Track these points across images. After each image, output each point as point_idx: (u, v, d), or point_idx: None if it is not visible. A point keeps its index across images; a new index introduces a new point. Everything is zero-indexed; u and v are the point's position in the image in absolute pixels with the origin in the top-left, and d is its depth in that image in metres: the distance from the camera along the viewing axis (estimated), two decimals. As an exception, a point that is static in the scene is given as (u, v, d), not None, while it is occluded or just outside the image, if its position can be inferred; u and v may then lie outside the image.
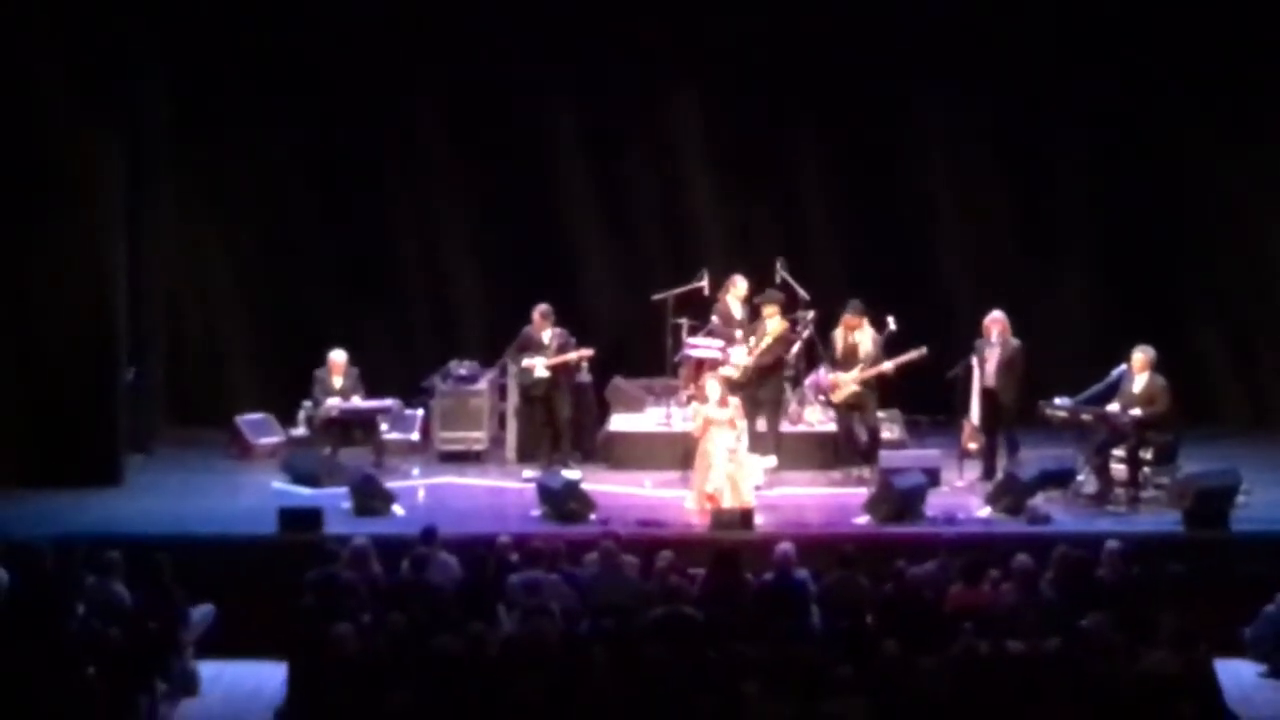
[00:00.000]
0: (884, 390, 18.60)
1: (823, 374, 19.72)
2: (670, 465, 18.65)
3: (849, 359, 18.30)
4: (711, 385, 17.44)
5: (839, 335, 18.39)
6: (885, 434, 18.90)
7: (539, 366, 18.72)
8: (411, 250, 21.44)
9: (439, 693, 12.37)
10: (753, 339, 18.73)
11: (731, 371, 18.47)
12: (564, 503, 16.90)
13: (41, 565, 14.72)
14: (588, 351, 19.05)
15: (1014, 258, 21.05)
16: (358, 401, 18.93)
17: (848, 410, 18.44)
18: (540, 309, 18.83)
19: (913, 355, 18.14)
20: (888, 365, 18.19)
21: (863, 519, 16.86)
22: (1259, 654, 14.97)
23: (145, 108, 19.76)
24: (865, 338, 18.31)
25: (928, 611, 13.87)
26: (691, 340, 19.58)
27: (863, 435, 18.53)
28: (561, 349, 18.81)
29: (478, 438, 19.59)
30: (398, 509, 17.25)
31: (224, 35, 20.36)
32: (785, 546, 14.63)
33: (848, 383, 18.25)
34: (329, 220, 21.18)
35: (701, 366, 19.02)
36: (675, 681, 12.45)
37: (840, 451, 18.73)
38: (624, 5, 20.53)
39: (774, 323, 18.66)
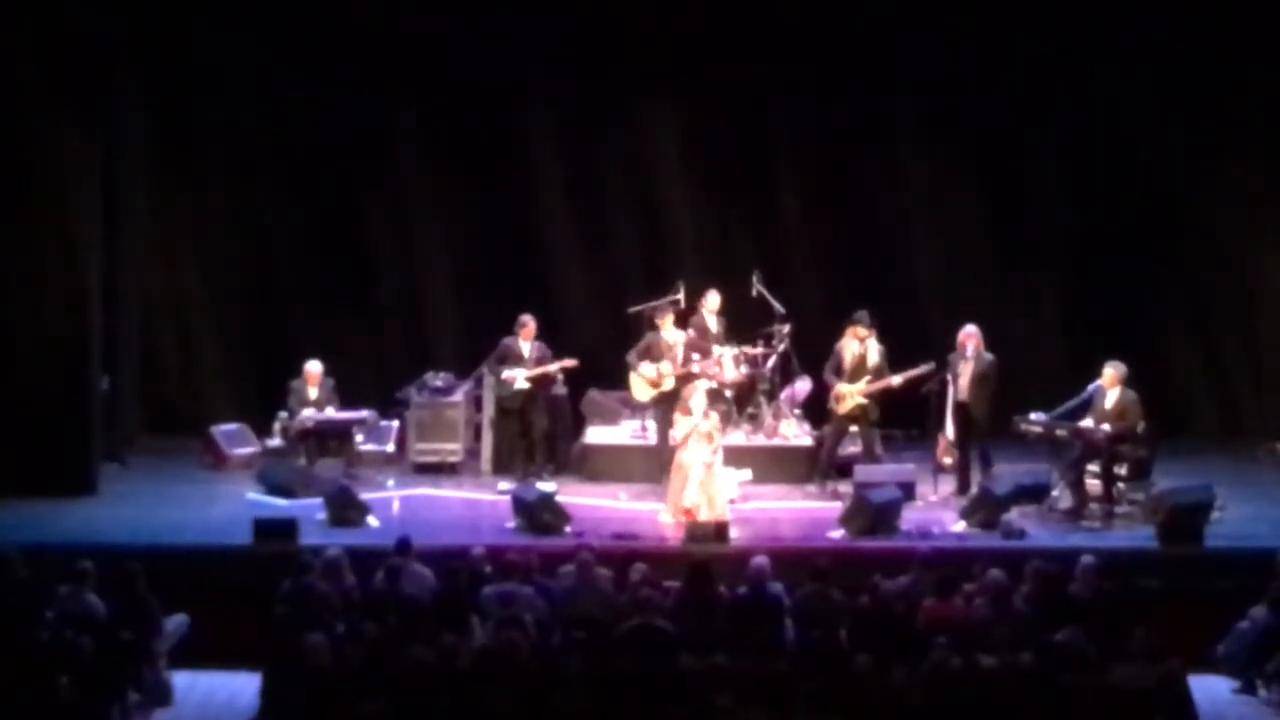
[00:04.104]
0: (887, 404, 18.58)
1: (798, 387, 19.79)
2: (645, 478, 18.67)
3: (856, 370, 18.31)
4: (696, 397, 17.43)
5: (846, 346, 18.34)
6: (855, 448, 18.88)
7: (519, 379, 18.70)
8: (388, 262, 21.44)
9: (412, 704, 12.37)
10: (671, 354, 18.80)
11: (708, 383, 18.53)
12: (538, 515, 16.89)
13: (13, 574, 14.69)
14: (571, 361, 19.01)
15: (989, 272, 21.09)
16: (333, 412, 18.91)
17: (849, 421, 18.46)
18: (523, 320, 18.81)
19: (921, 369, 18.15)
20: (895, 379, 18.20)
21: (837, 533, 16.87)
22: (1232, 669, 14.97)
23: (122, 114, 19.73)
24: (873, 350, 18.32)
25: (901, 625, 13.88)
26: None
27: (854, 446, 18.55)
28: (540, 361, 18.79)
29: (453, 449, 19.57)
30: (372, 520, 17.22)
31: (202, 44, 20.34)
32: (760, 560, 14.63)
33: (853, 394, 18.26)
34: (306, 230, 21.16)
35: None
36: (647, 694, 12.45)
37: (820, 463, 18.75)
38: (600, 17, 20.53)
39: (672, 334, 18.75)
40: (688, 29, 20.57)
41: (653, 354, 18.79)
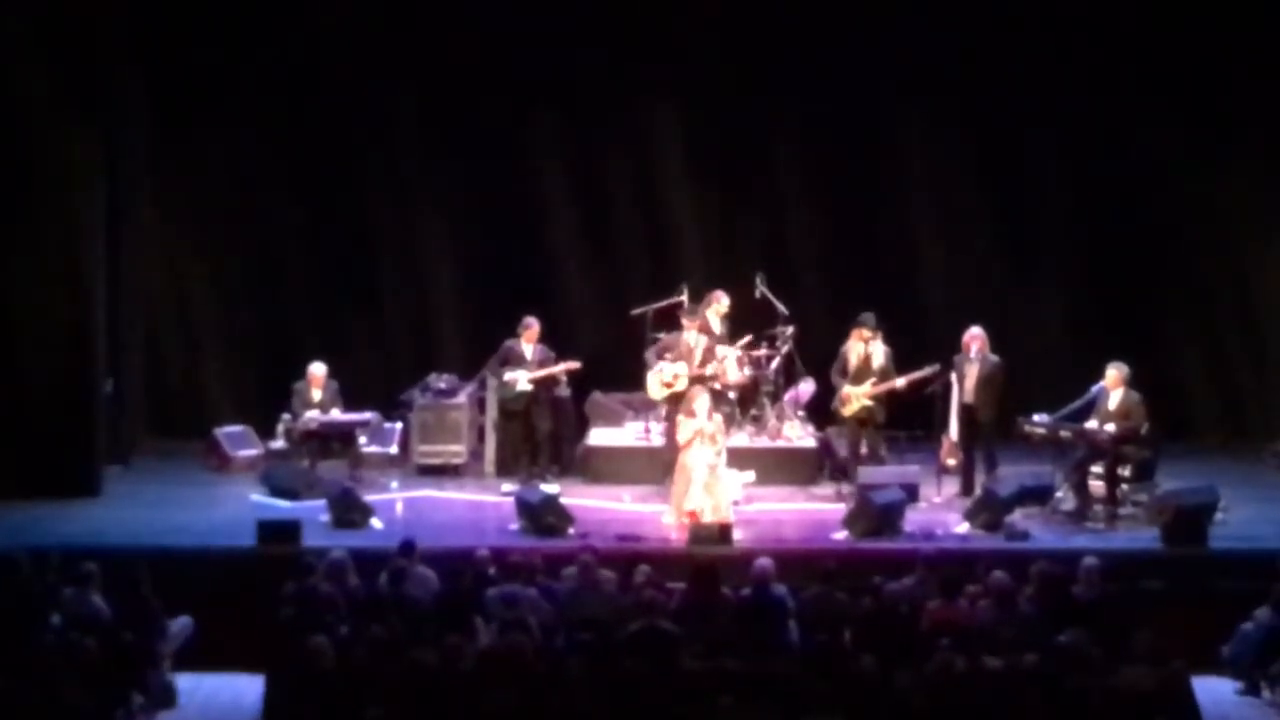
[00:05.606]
0: (891, 406, 18.58)
1: (802, 388, 19.78)
2: (649, 480, 18.66)
3: (862, 372, 18.31)
4: (701, 399, 17.42)
5: (851, 348, 18.36)
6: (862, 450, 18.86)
7: (521, 380, 18.70)
8: (391, 263, 21.45)
9: (416, 706, 12.36)
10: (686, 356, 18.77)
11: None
12: (542, 517, 16.88)
13: (18, 576, 14.69)
14: (574, 364, 19.01)
15: (994, 274, 21.11)
16: (337, 414, 18.90)
17: (857, 425, 18.45)
18: (527, 322, 18.80)
19: (925, 372, 18.14)
20: (899, 381, 18.19)
21: (841, 535, 16.86)
22: (1236, 671, 14.95)
23: (125, 115, 19.74)
24: (878, 351, 18.32)
25: (905, 627, 13.87)
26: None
27: (863, 449, 18.55)
28: (542, 364, 18.79)
29: (456, 451, 19.57)
30: (376, 522, 17.21)
31: (205, 44, 20.34)
32: (764, 562, 14.61)
33: (859, 396, 18.26)
34: (309, 232, 21.17)
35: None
36: (651, 696, 12.45)
37: (836, 466, 18.75)
38: (605, 18, 20.53)
39: (695, 335, 18.75)
40: (688, 29, 20.58)
41: (673, 354, 18.78)
